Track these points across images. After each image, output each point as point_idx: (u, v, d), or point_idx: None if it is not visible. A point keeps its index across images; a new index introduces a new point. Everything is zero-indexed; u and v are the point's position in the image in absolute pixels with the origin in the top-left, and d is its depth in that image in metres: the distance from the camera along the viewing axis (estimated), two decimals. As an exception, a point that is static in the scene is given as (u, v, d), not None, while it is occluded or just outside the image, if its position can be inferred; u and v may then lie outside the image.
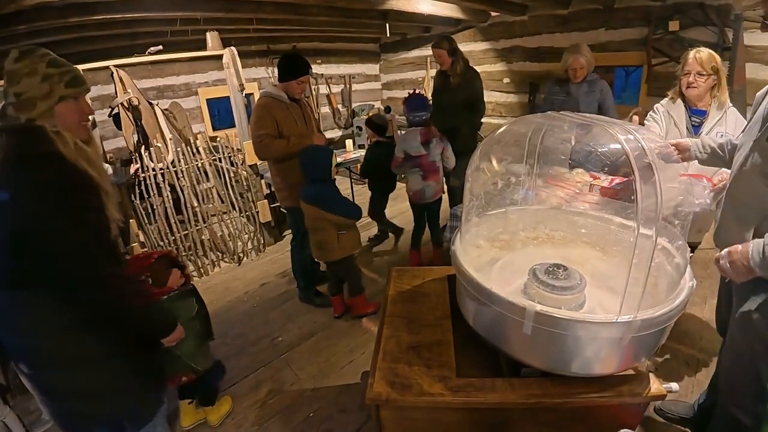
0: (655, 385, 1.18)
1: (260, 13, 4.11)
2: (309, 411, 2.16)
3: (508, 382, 1.19)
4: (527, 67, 5.34)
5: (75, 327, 1.22)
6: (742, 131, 1.42)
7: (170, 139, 3.80)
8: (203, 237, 3.78)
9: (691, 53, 2.09)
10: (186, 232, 3.67)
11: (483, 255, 1.41)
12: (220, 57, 4.06)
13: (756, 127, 1.28)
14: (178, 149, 3.62)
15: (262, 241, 4.10)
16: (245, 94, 4.19)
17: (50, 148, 1.13)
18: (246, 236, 4.04)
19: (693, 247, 2.37)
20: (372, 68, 7.46)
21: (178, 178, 3.58)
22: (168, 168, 3.54)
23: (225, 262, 3.91)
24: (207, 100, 5.71)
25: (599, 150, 1.16)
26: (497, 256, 1.43)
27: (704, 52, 2.06)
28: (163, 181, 3.51)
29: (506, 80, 5.58)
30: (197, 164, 3.72)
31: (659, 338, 1.17)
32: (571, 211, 1.53)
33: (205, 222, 3.79)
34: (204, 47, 4.60)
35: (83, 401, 1.29)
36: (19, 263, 1.14)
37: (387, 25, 5.15)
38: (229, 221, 3.93)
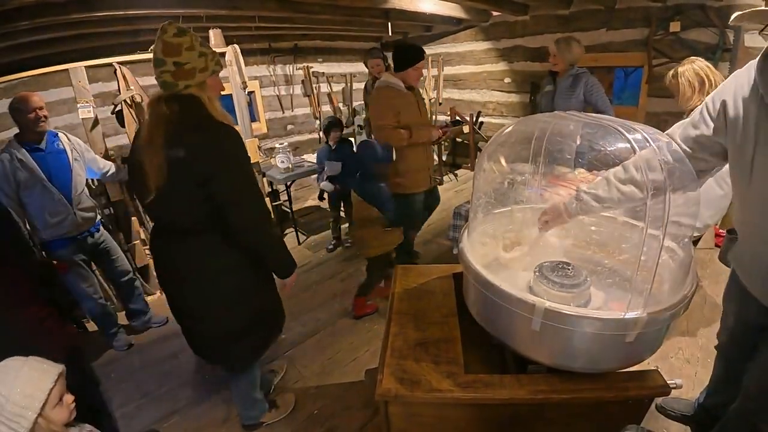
0: (660, 381, 1.20)
1: (263, 11, 4.11)
2: (313, 408, 2.17)
3: (516, 378, 1.21)
4: (529, 67, 5.36)
5: (229, 267, 1.51)
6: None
7: (173, 135, 3.80)
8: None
9: None
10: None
11: (489, 253, 1.43)
12: (222, 55, 4.05)
13: None
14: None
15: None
16: (247, 92, 4.19)
17: (206, 112, 1.39)
18: (247, 234, 4.03)
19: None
20: (373, 67, 7.47)
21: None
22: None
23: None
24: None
25: (608, 149, 1.17)
26: (503, 253, 1.44)
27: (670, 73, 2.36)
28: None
29: (507, 80, 5.59)
30: (199, 162, 3.72)
31: (663, 335, 1.18)
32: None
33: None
34: (206, 43, 4.59)
35: (227, 337, 1.61)
36: (199, 208, 1.39)
37: (389, 23, 5.15)
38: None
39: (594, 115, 1.22)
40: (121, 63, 3.62)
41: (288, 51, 6.08)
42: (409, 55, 2.71)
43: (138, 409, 2.26)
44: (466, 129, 5.68)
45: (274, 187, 4.32)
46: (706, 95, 2.09)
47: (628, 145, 1.01)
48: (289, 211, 4.24)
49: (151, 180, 1.35)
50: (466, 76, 6.13)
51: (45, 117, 2.37)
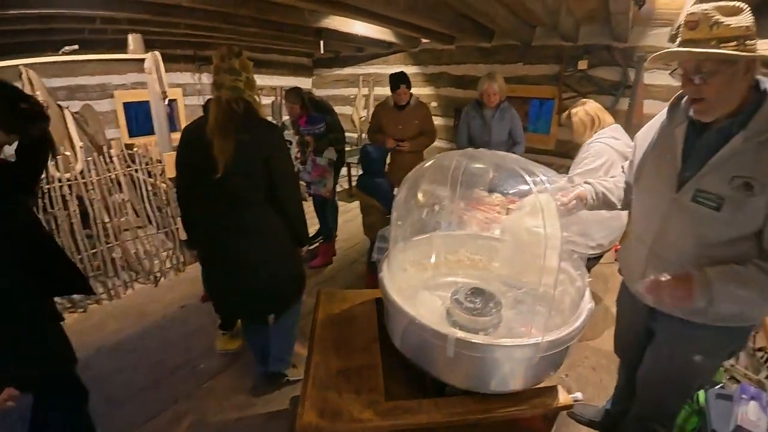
0: (563, 396, 1.30)
1: (190, 19, 3.93)
2: (234, 440, 2.06)
3: (434, 402, 1.25)
4: (453, 93, 5.67)
5: (281, 227, 1.96)
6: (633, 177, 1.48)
7: (80, 147, 3.47)
8: (114, 255, 3.46)
9: None
10: (95, 250, 3.33)
11: (410, 279, 1.47)
12: (141, 60, 3.80)
13: (660, 184, 1.31)
14: (89, 158, 3.30)
15: (182, 260, 3.83)
16: (168, 101, 3.95)
17: (260, 113, 1.87)
18: (164, 254, 3.76)
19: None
20: (305, 82, 7.42)
21: (87, 191, 3.26)
22: (76, 179, 3.21)
23: (139, 282, 3.59)
24: (124, 103, 5.28)
25: (510, 191, 1.29)
26: (423, 279, 1.50)
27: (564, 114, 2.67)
28: (70, 193, 3.17)
29: (434, 104, 5.86)
30: (110, 176, 3.42)
31: (565, 354, 1.29)
32: (489, 236, 1.65)
33: (116, 239, 3.47)
34: (124, 46, 4.28)
35: (282, 281, 2.06)
36: (259, 182, 1.81)
37: (321, 42, 5.18)
38: (144, 238, 3.64)
39: (503, 155, 1.34)
40: (28, 65, 3.27)
41: (215, 60, 5.87)
42: (390, 83, 3.57)
43: None
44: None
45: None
46: (596, 132, 2.47)
47: (528, 187, 1.12)
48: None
49: (221, 161, 1.71)
50: (396, 98, 6.34)
51: None
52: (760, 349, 2.33)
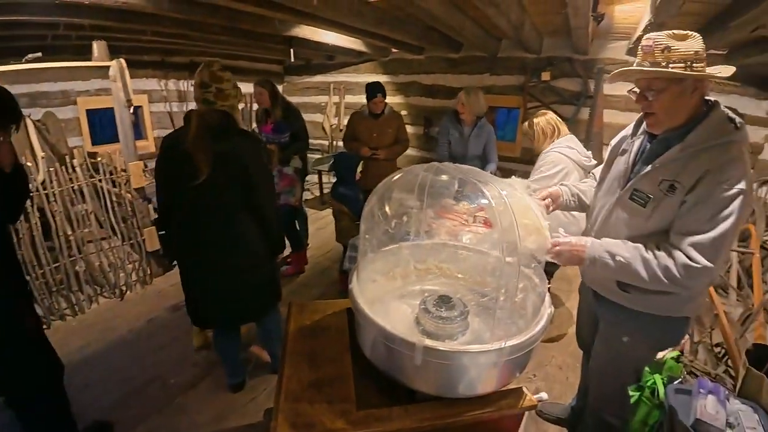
0: (528, 397, 1.36)
1: (157, 26, 3.87)
2: (207, 456, 2.03)
3: (405, 409, 1.28)
4: (423, 102, 5.78)
5: (260, 234, 2.05)
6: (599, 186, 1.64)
7: (42, 157, 3.34)
8: (78, 268, 3.34)
9: None
10: (57, 263, 3.21)
11: (379, 288, 1.51)
12: (105, 67, 3.70)
13: (614, 185, 1.49)
14: (51, 169, 3.19)
15: (149, 272, 3.74)
16: (133, 109, 3.84)
17: (237, 124, 1.94)
18: (130, 266, 3.66)
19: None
20: (276, 89, 7.39)
21: (49, 202, 3.14)
22: (38, 190, 3.09)
23: (104, 297, 3.48)
24: (87, 110, 5.11)
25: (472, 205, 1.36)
26: (393, 289, 1.54)
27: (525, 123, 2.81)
28: (31, 204, 3.05)
29: (404, 112, 5.95)
30: (73, 186, 3.30)
31: (529, 356, 1.36)
32: (456, 245, 1.71)
33: (80, 251, 3.35)
34: (88, 52, 4.15)
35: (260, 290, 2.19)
36: (238, 190, 1.90)
37: (292, 50, 5.19)
38: (109, 250, 3.53)
39: (467, 169, 1.41)
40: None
41: (183, 66, 5.75)
42: (366, 92, 3.68)
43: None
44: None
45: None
46: (553, 141, 2.64)
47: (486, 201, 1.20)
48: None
49: (202, 169, 1.80)
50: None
51: None
52: (717, 345, 2.47)
